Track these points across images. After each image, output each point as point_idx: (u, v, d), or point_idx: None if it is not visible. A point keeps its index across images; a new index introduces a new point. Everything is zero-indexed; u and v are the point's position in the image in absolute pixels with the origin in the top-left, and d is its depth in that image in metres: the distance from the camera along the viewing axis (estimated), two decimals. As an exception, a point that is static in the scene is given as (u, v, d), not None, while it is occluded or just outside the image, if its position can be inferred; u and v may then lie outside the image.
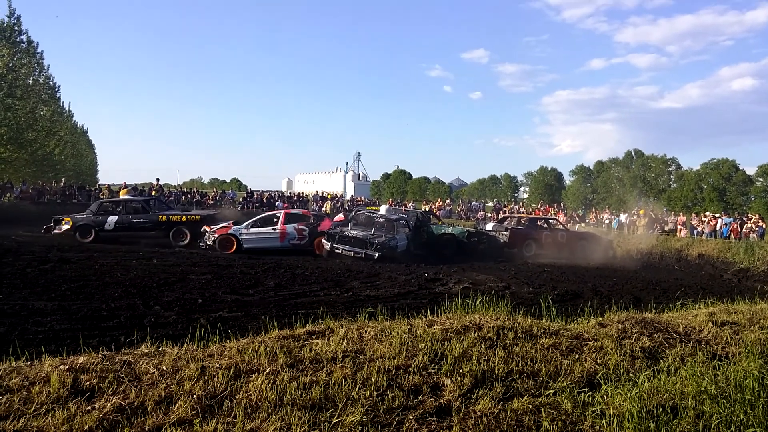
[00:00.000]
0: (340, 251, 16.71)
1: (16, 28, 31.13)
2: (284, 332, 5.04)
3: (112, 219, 19.28)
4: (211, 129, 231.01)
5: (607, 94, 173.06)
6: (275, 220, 18.69)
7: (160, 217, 19.39)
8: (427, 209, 33.90)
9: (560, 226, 24.09)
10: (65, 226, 19.24)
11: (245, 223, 18.80)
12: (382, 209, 21.17)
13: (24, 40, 32.53)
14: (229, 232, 18.36)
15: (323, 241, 17.31)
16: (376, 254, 16.42)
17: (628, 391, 3.86)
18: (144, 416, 3.20)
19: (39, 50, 35.52)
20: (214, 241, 18.18)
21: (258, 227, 18.45)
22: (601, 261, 20.50)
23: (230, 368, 3.93)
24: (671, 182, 63.53)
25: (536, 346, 4.85)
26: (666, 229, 27.54)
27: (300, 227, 18.34)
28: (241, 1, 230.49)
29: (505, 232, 21.70)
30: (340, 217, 20.45)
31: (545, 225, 23.35)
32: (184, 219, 19.39)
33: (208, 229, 18.76)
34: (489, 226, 23.18)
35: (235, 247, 18.00)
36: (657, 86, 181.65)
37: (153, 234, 19.52)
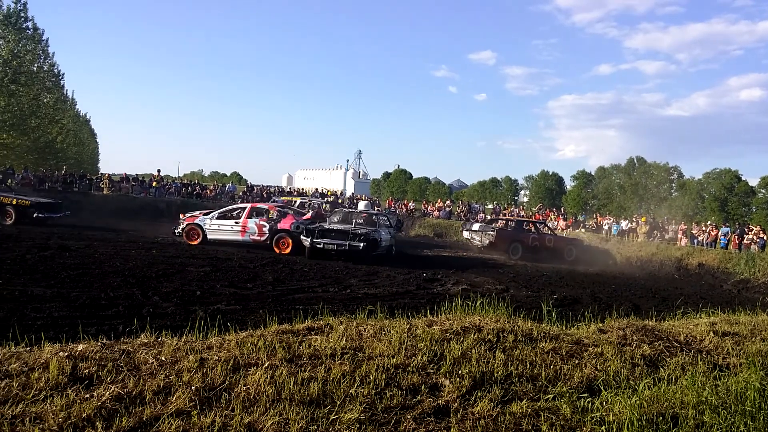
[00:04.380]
0: (321, 245, 15.72)
1: (22, 14, 31.12)
2: (283, 327, 5.02)
3: None
4: (214, 122, 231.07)
5: (613, 100, 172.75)
6: (239, 213, 17.97)
7: None
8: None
9: (548, 230, 23.98)
10: None
11: (213, 213, 18.18)
12: (361, 205, 20.70)
13: (30, 26, 32.50)
14: (195, 221, 17.74)
15: (302, 237, 16.26)
16: (361, 245, 15.55)
17: (628, 399, 3.84)
18: (142, 406, 3.18)
19: (44, 37, 35.52)
20: (183, 229, 17.68)
21: (223, 219, 17.74)
22: (596, 267, 20.48)
23: (229, 361, 3.91)
24: (673, 190, 63.52)
25: (536, 350, 4.83)
26: (666, 237, 27.52)
27: (260, 222, 17.42)
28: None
29: (491, 233, 21.39)
30: (307, 216, 18.85)
31: (532, 228, 23.22)
32: (14, 202, 19.55)
33: (182, 216, 18.43)
34: (475, 227, 22.99)
35: (200, 238, 17.42)
36: (664, 94, 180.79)
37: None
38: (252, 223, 17.39)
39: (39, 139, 34.19)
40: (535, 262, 20.00)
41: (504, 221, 24.64)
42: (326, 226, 16.57)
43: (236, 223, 17.51)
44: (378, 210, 20.40)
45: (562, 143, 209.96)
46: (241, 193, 37.68)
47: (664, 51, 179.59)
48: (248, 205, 18.61)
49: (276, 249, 16.91)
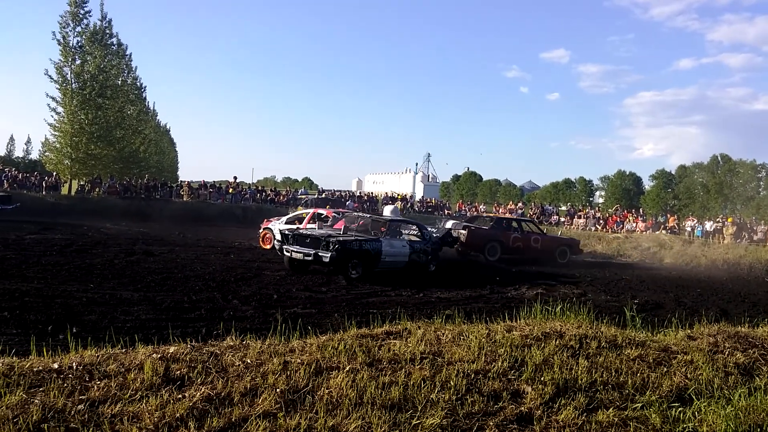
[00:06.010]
0: (289, 254, 12.72)
1: (108, 31, 32.95)
2: (362, 331, 5.08)
3: None
4: (285, 128, 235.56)
5: (694, 95, 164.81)
6: (302, 218, 17.78)
7: None
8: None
9: (535, 229, 21.73)
10: None
11: (284, 218, 18.42)
12: (386, 211, 19.68)
13: (114, 42, 34.41)
14: (269, 225, 18.02)
15: (275, 242, 14.96)
16: (328, 255, 11.85)
17: (722, 409, 3.67)
18: (231, 407, 3.28)
19: (128, 52, 37.47)
20: (259, 233, 17.97)
21: (290, 224, 17.59)
22: (678, 271, 19.61)
23: (311, 364, 3.98)
24: (761, 189, 59.97)
25: (621, 357, 4.68)
26: (755, 238, 26.06)
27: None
28: (322, 5, 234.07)
29: (463, 231, 19.11)
30: (340, 223, 16.00)
31: (514, 226, 21.10)
32: None
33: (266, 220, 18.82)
34: (449, 224, 20.57)
35: (272, 242, 17.44)
36: (751, 88, 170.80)
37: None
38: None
39: (124, 149, 35.93)
40: (516, 265, 17.91)
41: (486, 218, 23.08)
42: (303, 231, 14.07)
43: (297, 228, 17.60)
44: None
45: (640, 142, 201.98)
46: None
47: (750, 43, 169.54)
48: (311, 211, 18.61)
49: None
